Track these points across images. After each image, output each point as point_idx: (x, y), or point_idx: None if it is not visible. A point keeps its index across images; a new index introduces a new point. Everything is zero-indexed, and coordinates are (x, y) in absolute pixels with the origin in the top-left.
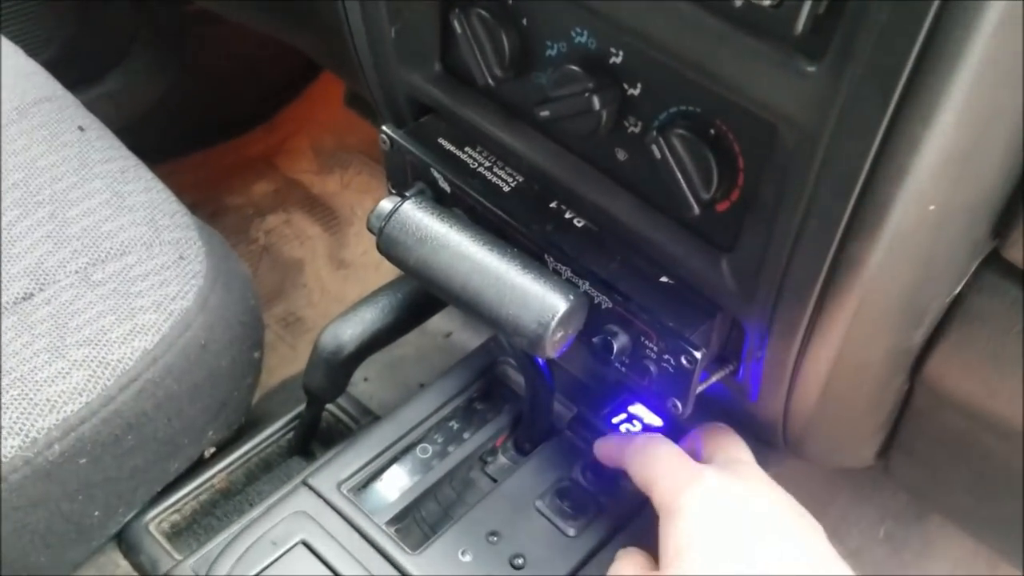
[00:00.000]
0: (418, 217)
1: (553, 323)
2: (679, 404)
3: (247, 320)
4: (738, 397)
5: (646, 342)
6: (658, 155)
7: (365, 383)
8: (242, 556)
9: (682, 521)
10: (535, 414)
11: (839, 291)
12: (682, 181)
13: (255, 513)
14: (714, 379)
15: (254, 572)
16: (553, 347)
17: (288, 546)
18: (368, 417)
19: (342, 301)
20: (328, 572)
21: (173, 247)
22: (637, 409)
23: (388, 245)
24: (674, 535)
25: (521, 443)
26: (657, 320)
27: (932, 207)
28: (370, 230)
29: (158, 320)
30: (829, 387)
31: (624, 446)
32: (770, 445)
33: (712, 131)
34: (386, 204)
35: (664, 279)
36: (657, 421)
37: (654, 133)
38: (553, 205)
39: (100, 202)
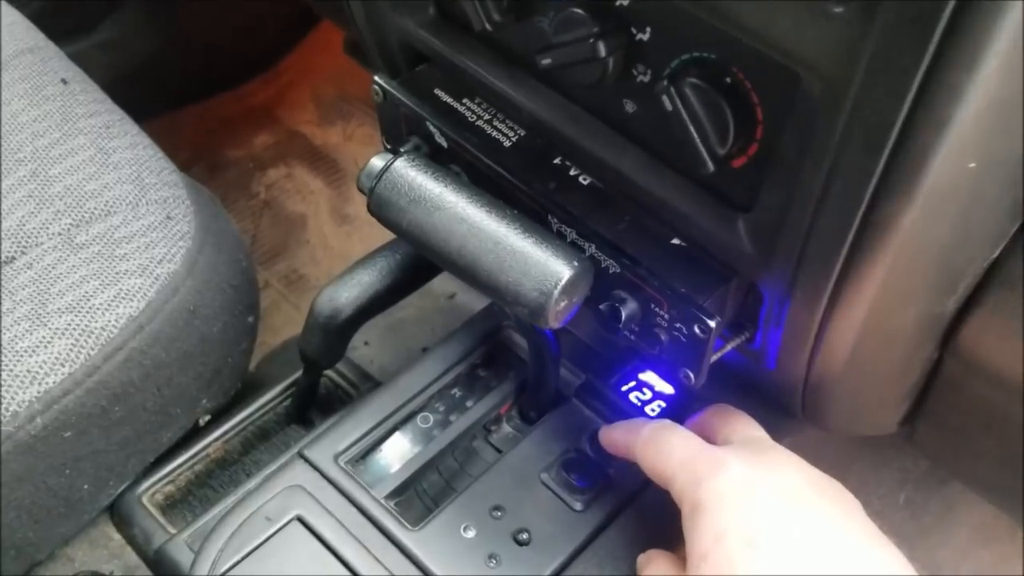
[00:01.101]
0: (411, 176)
1: (556, 291)
2: (691, 375)
3: (239, 283)
4: (754, 364)
5: (656, 309)
6: (669, 107)
7: (365, 347)
8: (235, 532)
9: (711, 513)
10: (540, 381)
11: (868, 254)
12: (695, 135)
13: (251, 484)
14: (729, 347)
15: (247, 549)
16: (556, 317)
17: (283, 522)
18: (368, 383)
19: (346, 258)
20: (324, 549)
21: (160, 206)
22: (648, 376)
23: (379, 206)
24: (705, 528)
25: (526, 411)
26: (668, 286)
27: (972, 164)
28: (361, 190)
29: (144, 285)
30: (854, 355)
31: (632, 436)
32: (787, 414)
33: (728, 80)
34: (377, 162)
35: (675, 241)
36: (669, 389)
37: (665, 82)
38: (556, 161)
39: (84, 159)
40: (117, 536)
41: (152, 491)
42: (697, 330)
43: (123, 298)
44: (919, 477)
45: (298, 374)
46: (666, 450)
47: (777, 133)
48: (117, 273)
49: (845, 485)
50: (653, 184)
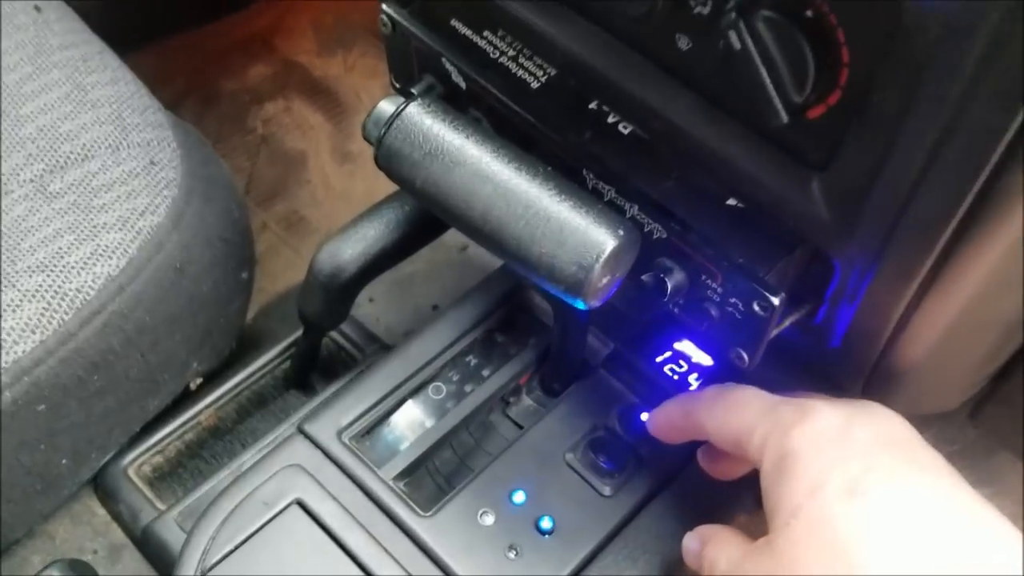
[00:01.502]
0: (427, 124)
1: (598, 265)
2: (745, 355)
3: (231, 236)
4: (810, 340)
5: (708, 281)
6: (736, 45)
7: (370, 304)
8: (227, 519)
9: (803, 462)
10: (565, 350)
11: (984, 229)
12: (767, 80)
13: (246, 457)
14: (787, 323)
15: (241, 538)
16: (596, 294)
17: (280, 507)
18: (374, 345)
19: (349, 199)
20: (326, 537)
21: (143, 150)
22: (685, 346)
23: (389, 159)
24: (796, 480)
25: (549, 383)
26: (723, 254)
27: None
28: (367, 139)
29: (124, 240)
30: (944, 340)
31: (690, 405)
32: (840, 389)
33: (809, 13)
34: (386, 106)
35: (732, 202)
36: (708, 360)
37: (732, 15)
38: (593, 106)
39: (59, 96)
40: (101, 511)
41: (139, 463)
42: (757, 307)
43: (101, 255)
44: (966, 446)
45: (297, 334)
46: (740, 403)
47: (867, 79)
48: (94, 227)
49: None
50: (709, 135)
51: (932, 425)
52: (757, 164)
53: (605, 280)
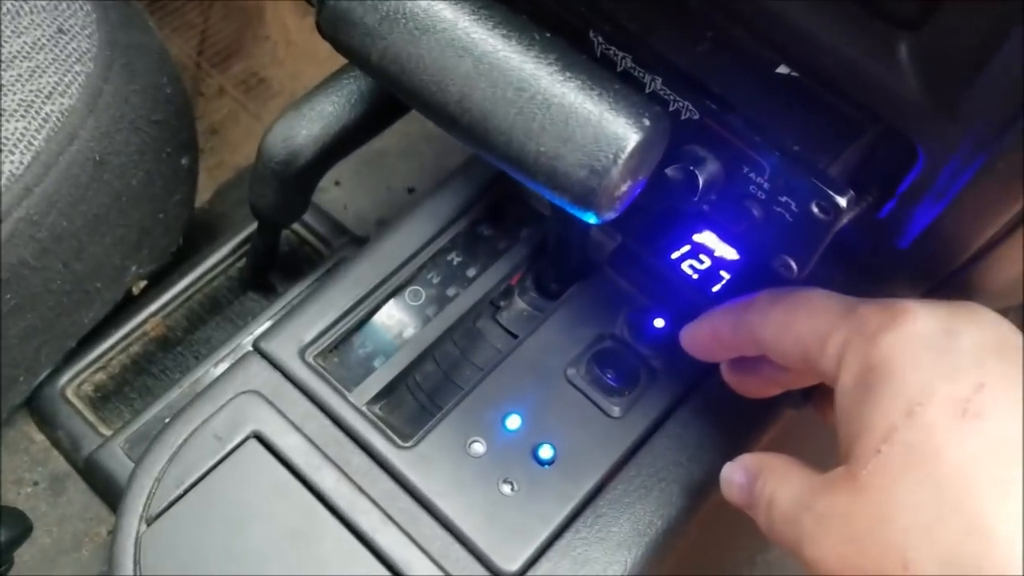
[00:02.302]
0: None
1: (616, 169)
2: (793, 264)
3: (164, 117)
4: (867, 237)
5: (751, 175)
6: None
7: (336, 188)
8: (176, 455)
9: (897, 376)
10: (564, 244)
11: None
12: None
13: (200, 372)
14: (844, 220)
15: (191, 480)
16: (613, 205)
17: (236, 441)
18: (342, 237)
19: (313, 58)
20: (290, 476)
21: (48, 15)
22: (706, 238)
23: (335, 25)
24: (888, 398)
25: (545, 283)
26: (773, 141)
27: None
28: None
29: (28, 129)
30: None
31: (740, 314)
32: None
33: None
34: None
35: (783, 70)
36: (733, 254)
37: None
38: None
39: None
40: (40, 438)
41: (78, 381)
42: (815, 209)
43: (1, 150)
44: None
45: (254, 227)
46: (806, 307)
47: None
48: None
49: None
50: None
51: None
52: (821, 19)
53: (625, 186)
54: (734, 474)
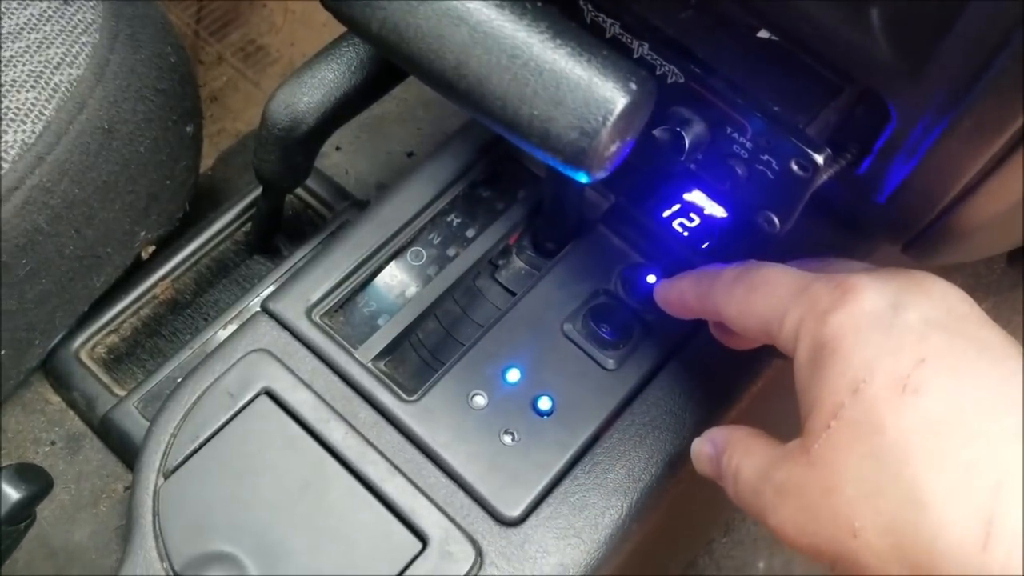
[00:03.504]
0: None
1: (605, 130)
2: (776, 219)
3: (169, 85)
4: (848, 192)
5: (734, 135)
6: None
7: (337, 153)
8: (190, 411)
9: (845, 353)
10: (559, 203)
11: None
12: None
13: (209, 333)
14: (825, 176)
15: (206, 434)
16: (603, 164)
17: (247, 397)
18: (344, 201)
19: (311, 24)
20: (300, 430)
21: None
22: (695, 197)
23: None
24: (836, 375)
25: (542, 241)
26: (754, 101)
27: None
28: None
29: (39, 100)
30: (1017, 208)
31: (708, 281)
32: (864, 235)
33: None
34: None
35: (763, 35)
36: (722, 212)
37: None
38: None
39: None
40: (56, 399)
41: (92, 343)
42: (795, 166)
43: (12, 120)
44: (991, 282)
45: (258, 192)
46: (765, 284)
47: None
48: (0, 85)
49: None
50: None
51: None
52: None
53: (614, 147)
54: (703, 447)
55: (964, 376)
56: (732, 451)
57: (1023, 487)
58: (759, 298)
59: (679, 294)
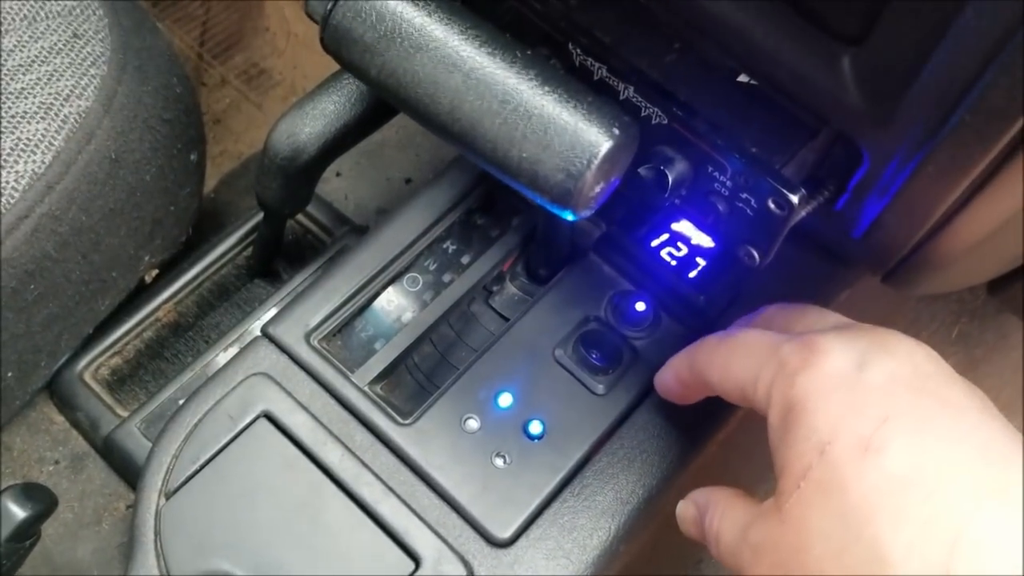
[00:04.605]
0: None
1: (590, 172)
2: (755, 254)
3: (175, 115)
4: (828, 226)
5: (715, 173)
6: None
7: (337, 179)
8: (192, 433)
9: (811, 415)
10: (552, 231)
11: None
12: None
13: (210, 356)
14: (803, 213)
15: (206, 456)
16: (588, 204)
17: (247, 420)
18: (343, 226)
19: (313, 48)
20: (298, 452)
21: (64, 21)
22: (683, 227)
23: (338, 42)
24: (803, 437)
25: (535, 268)
26: (733, 143)
27: None
28: (311, 17)
29: (49, 130)
30: (988, 241)
31: (691, 351)
32: (847, 265)
33: None
34: None
35: (743, 79)
36: (709, 242)
37: None
38: None
39: None
40: (60, 419)
41: (96, 365)
42: (772, 204)
43: (22, 150)
44: (976, 308)
45: (259, 217)
46: (743, 349)
47: None
48: (12, 117)
49: (897, 321)
50: (719, 1)
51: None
52: (774, 35)
53: (599, 188)
54: (687, 510)
55: (925, 434)
56: (713, 512)
57: (980, 541)
58: (736, 362)
59: (674, 373)
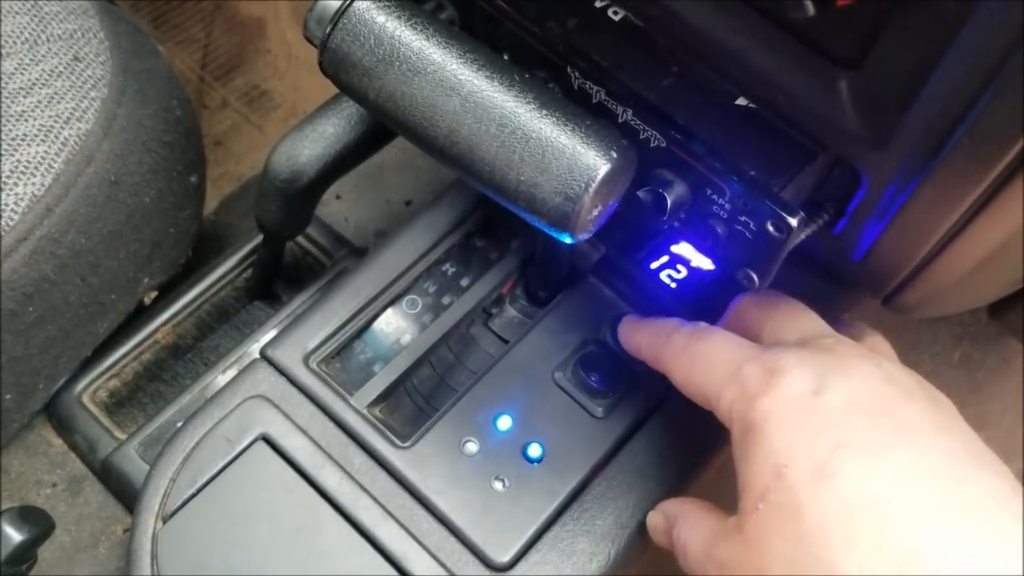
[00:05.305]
0: (379, 23)
1: (587, 196)
2: (754, 277)
3: (175, 138)
4: (827, 249)
5: (713, 196)
6: None
7: (337, 201)
8: (189, 456)
9: (768, 438)
10: (551, 254)
11: None
12: None
13: (209, 378)
14: (802, 236)
15: (203, 479)
16: (586, 227)
17: (245, 443)
18: (343, 248)
19: (313, 69)
20: (296, 475)
21: (65, 44)
22: (682, 249)
23: (336, 66)
24: (761, 459)
25: (534, 290)
26: (732, 166)
27: None
28: (309, 40)
29: (48, 153)
30: (987, 265)
31: (659, 344)
32: (847, 288)
33: None
34: (330, 0)
35: (741, 102)
36: (708, 264)
37: None
38: None
39: None
40: (58, 441)
41: (93, 388)
42: (771, 227)
43: (22, 173)
44: (978, 331)
45: (259, 239)
46: (706, 361)
47: None
48: (12, 139)
49: (897, 344)
50: (717, 26)
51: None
52: (772, 59)
53: (596, 211)
54: (656, 520)
55: (880, 458)
56: (681, 525)
57: (930, 563)
58: (699, 372)
59: (636, 345)
